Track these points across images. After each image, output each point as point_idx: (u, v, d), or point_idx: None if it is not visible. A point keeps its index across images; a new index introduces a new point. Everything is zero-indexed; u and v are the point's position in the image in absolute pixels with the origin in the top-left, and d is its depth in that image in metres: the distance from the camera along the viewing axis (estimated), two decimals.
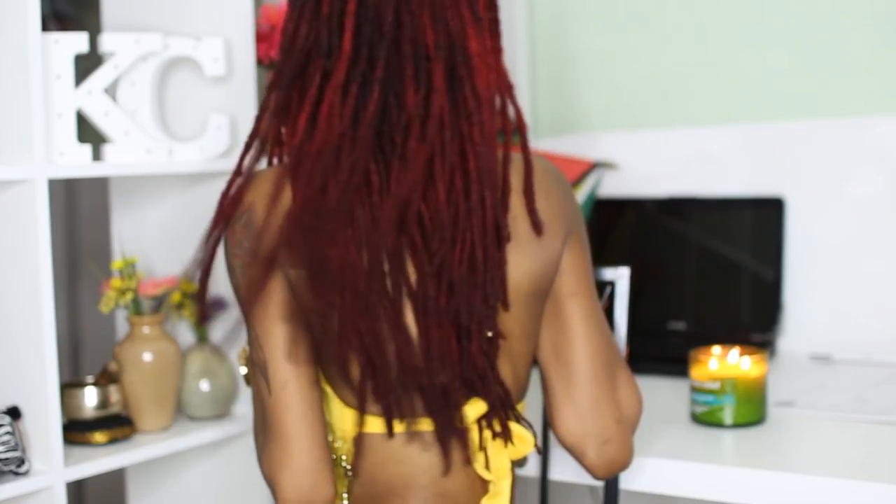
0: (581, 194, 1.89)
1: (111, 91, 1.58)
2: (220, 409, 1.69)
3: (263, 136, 1.13)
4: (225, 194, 1.16)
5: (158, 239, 1.76)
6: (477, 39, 1.11)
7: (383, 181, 1.09)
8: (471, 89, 1.10)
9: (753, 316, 1.94)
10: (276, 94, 1.12)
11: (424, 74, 1.09)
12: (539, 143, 2.17)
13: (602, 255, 1.81)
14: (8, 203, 1.41)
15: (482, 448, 1.16)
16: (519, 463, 1.25)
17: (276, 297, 1.12)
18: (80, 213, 2.76)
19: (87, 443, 1.53)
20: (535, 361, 1.23)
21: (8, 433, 1.37)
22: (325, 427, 1.15)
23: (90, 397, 1.55)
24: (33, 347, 1.41)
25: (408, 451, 1.16)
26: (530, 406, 1.27)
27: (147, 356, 1.59)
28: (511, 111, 1.16)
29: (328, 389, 1.18)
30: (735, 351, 1.50)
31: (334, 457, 1.18)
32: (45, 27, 1.43)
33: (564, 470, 1.41)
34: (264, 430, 1.15)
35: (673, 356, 1.71)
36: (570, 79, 2.20)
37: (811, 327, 1.93)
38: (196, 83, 1.69)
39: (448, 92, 1.09)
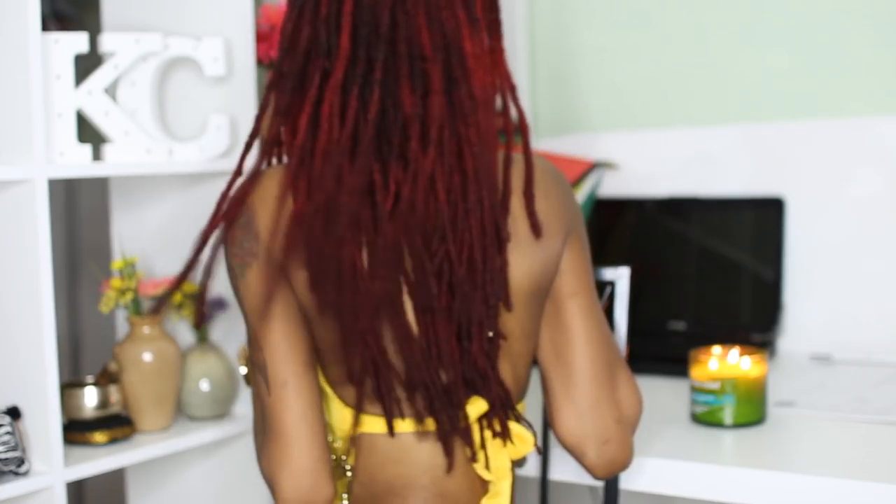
0: (581, 194, 1.89)
1: (111, 91, 1.58)
2: (220, 409, 1.69)
3: (268, 137, 1.13)
4: (224, 194, 1.16)
5: (158, 239, 1.76)
6: (472, 40, 1.11)
7: (384, 181, 1.09)
8: (466, 90, 1.10)
9: (753, 316, 1.94)
10: (279, 94, 1.12)
11: (420, 75, 1.09)
12: (539, 142, 2.17)
13: (602, 255, 1.81)
14: (8, 203, 1.41)
15: (482, 447, 1.16)
16: (519, 463, 1.25)
17: (275, 297, 1.12)
18: (80, 213, 2.76)
19: (87, 443, 1.53)
20: (535, 361, 1.23)
21: (8, 433, 1.37)
22: (325, 427, 1.15)
23: (90, 397, 1.55)
24: (33, 347, 1.41)
25: (408, 452, 1.16)
26: (530, 406, 1.27)
27: (147, 356, 1.59)
28: (513, 112, 1.16)
29: (328, 389, 1.18)
30: (735, 351, 1.50)
31: (334, 457, 1.18)
32: (45, 27, 1.43)
33: (564, 470, 1.41)
34: (264, 430, 1.15)
35: (673, 356, 1.71)
36: (571, 79, 2.20)
37: (811, 327, 1.93)
38: (196, 83, 1.69)
39: (444, 93, 1.09)
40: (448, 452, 1.14)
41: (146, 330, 1.60)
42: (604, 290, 1.35)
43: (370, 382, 1.12)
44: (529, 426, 1.18)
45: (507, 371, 1.17)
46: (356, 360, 1.11)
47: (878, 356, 1.84)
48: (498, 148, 1.14)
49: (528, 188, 1.15)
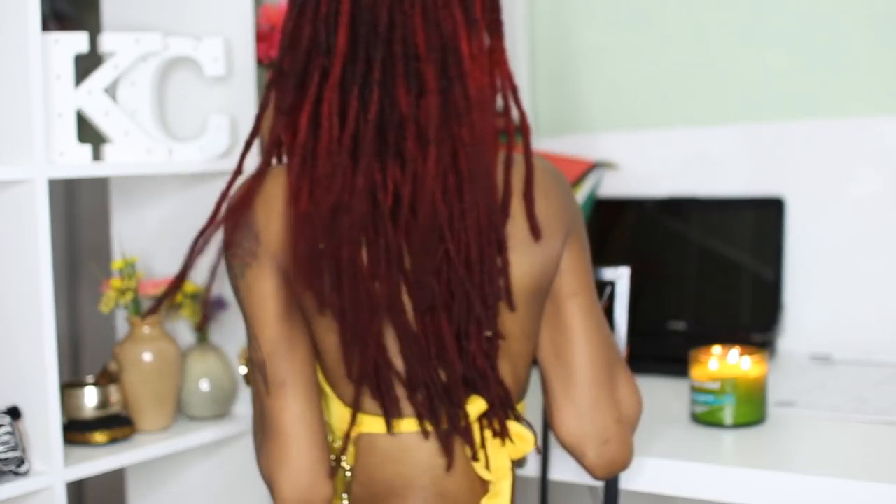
0: (581, 194, 1.89)
1: (111, 91, 1.58)
2: (220, 409, 1.69)
3: (274, 136, 1.13)
4: (225, 193, 1.16)
5: (158, 239, 1.76)
6: (469, 41, 1.11)
7: (384, 181, 1.09)
8: (461, 90, 1.10)
9: (753, 316, 1.94)
10: (281, 92, 1.12)
11: (415, 75, 1.09)
12: (539, 142, 2.17)
13: (602, 255, 1.81)
14: (8, 203, 1.41)
15: (482, 447, 1.16)
16: (519, 463, 1.25)
17: (274, 296, 1.13)
18: (80, 213, 2.76)
19: (87, 443, 1.52)
20: (535, 361, 1.23)
21: (8, 433, 1.37)
22: (324, 427, 1.16)
23: (90, 397, 1.55)
24: (33, 347, 1.41)
25: (408, 451, 1.16)
26: (530, 406, 1.27)
27: (147, 356, 1.59)
28: (515, 113, 1.16)
29: (328, 389, 1.18)
30: (735, 351, 1.50)
31: (333, 457, 1.18)
32: (45, 27, 1.43)
33: (564, 470, 1.41)
34: (263, 429, 1.15)
35: (673, 356, 1.71)
36: (571, 79, 2.20)
37: (811, 327, 1.93)
38: (196, 83, 1.69)
39: (439, 93, 1.09)
40: (447, 452, 1.15)
41: (146, 330, 1.60)
42: (604, 290, 1.35)
43: (370, 382, 1.12)
44: (529, 426, 1.19)
45: (506, 371, 1.17)
46: (356, 360, 1.11)
47: (878, 356, 1.84)
48: (498, 148, 1.14)
49: (528, 190, 1.15)
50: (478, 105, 1.11)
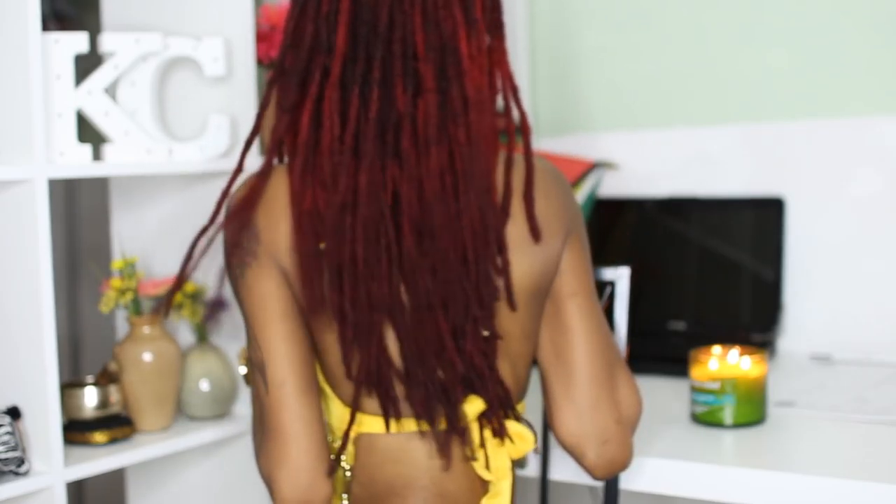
0: (581, 194, 1.89)
1: (111, 91, 1.58)
2: (220, 409, 1.69)
3: (277, 135, 1.13)
4: (226, 192, 1.17)
5: (158, 239, 1.76)
6: (469, 41, 1.11)
7: (383, 179, 1.10)
8: (458, 90, 1.10)
9: (753, 316, 1.94)
10: (284, 90, 1.13)
11: (412, 74, 1.09)
12: (539, 142, 2.17)
13: (602, 255, 1.81)
14: (8, 203, 1.41)
15: (482, 446, 1.16)
16: (520, 464, 1.25)
17: (274, 296, 1.13)
18: (80, 213, 2.76)
19: (87, 443, 1.52)
20: (535, 361, 1.23)
21: (8, 433, 1.37)
22: (324, 426, 1.16)
23: (90, 397, 1.55)
24: (33, 347, 1.41)
25: (407, 451, 1.16)
26: (530, 406, 1.27)
27: (147, 356, 1.59)
28: (515, 113, 1.16)
29: (327, 389, 1.18)
30: (735, 351, 1.50)
31: (333, 456, 1.18)
32: (45, 27, 1.43)
33: (564, 470, 1.41)
34: (262, 429, 1.15)
35: (673, 356, 1.71)
36: (571, 79, 2.20)
37: (811, 327, 1.93)
38: (196, 83, 1.69)
39: (437, 92, 1.09)
40: (444, 451, 1.15)
41: (146, 330, 1.60)
42: (604, 290, 1.35)
43: (370, 381, 1.12)
44: (529, 425, 1.18)
45: (506, 371, 1.17)
46: (356, 359, 1.11)
47: (878, 356, 1.84)
48: (497, 148, 1.14)
49: (528, 190, 1.15)
50: (476, 105, 1.11)
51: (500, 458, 1.17)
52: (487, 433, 1.16)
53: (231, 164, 1.55)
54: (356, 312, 1.09)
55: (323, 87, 1.11)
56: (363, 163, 1.09)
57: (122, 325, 1.78)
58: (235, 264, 1.15)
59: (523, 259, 1.15)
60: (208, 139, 1.61)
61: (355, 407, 1.14)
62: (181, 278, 1.17)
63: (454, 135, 1.10)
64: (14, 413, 1.41)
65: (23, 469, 1.38)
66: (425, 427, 1.14)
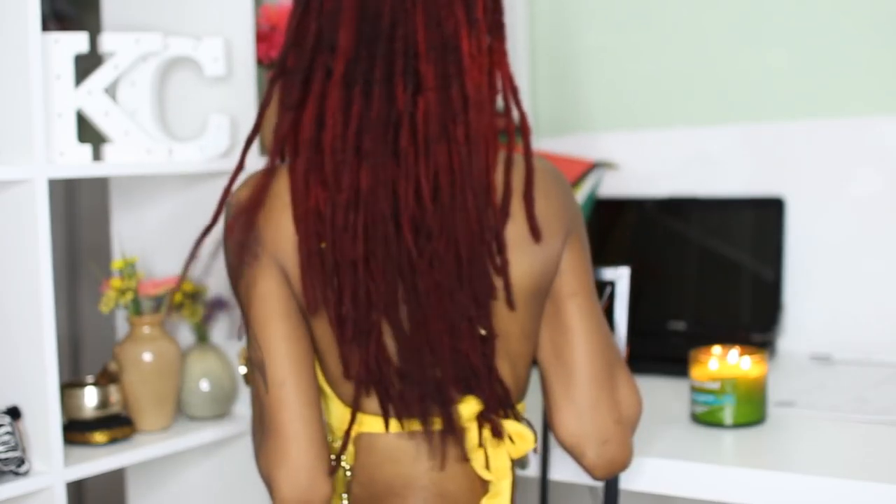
0: (581, 194, 1.89)
1: (111, 91, 1.58)
2: (220, 409, 1.69)
3: (281, 133, 1.13)
4: (227, 190, 1.17)
5: (158, 239, 1.76)
6: (470, 40, 1.11)
7: (386, 178, 1.10)
8: (458, 89, 1.10)
9: (753, 316, 1.94)
10: (287, 88, 1.13)
11: (412, 73, 1.09)
12: (539, 142, 2.17)
13: (602, 255, 1.81)
14: (8, 203, 1.41)
15: (481, 446, 1.16)
16: (521, 464, 1.25)
17: (274, 296, 1.13)
18: (80, 213, 2.76)
19: (87, 443, 1.52)
20: (535, 361, 1.23)
21: (8, 433, 1.37)
22: (324, 426, 1.16)
23: (90, 397, 1.55)
24: (33, 347, 1.41)
25: (407, 451, 1.16)
26: (530, 406, 1.27)
27: (147, 356, 1.59)
28: (515, 114, 1.16)
29: (327, 389, 1.18)
30: (735, 351, 1.50)
31: (333, 456, 1.18)
32: (45, 27, 1.43)
33: (564, 470, 1.41)
34: (262, 429, 1.15)
35: (673, 356, 1.71)
36: (571, 79, 2.20)
37: (811, 327, 1.93)
38: (196, 83, 1.69)
39: (437, 91, 1.09)
40: (436, 450, 1.15)
41: (146, 330, 1.60)
42: (604, 290, 1.35)
43: (369, 380, 1.12)
44: (529, 425, 1.18)
45: (506, 370, 1.17)
46: (354, 358, 1.11)
47: (878, 356, 1.84)
48: (497, 148, 1.14)
49: (527, 190, 1.15)
50: (475, 104, 1.11)
51: (499, 458, 1.17)
52: (487, 433, 1.16)
53: (231, 164, 1.55)
54: (356, 311, 1.09)
55: (326, 85, 1.11)
56: (365, 161, 1.09)
57: (122, 325, 1.78)
58: (236, 264, 1.15)
59: (523, 259, 1.15)
60: (208, 139, 1.61)
61: (356, 407, 1.14)
62: (182, 278, 1.17)
63: (453, 134, 1.10)
64: (14, 413, 1.41)
65: (23, 469, 1.38)
66: (412, 427, 1.14)
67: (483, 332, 1.13)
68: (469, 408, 1.14)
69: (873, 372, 1.78)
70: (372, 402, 1.15)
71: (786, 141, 1.98)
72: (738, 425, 1.47)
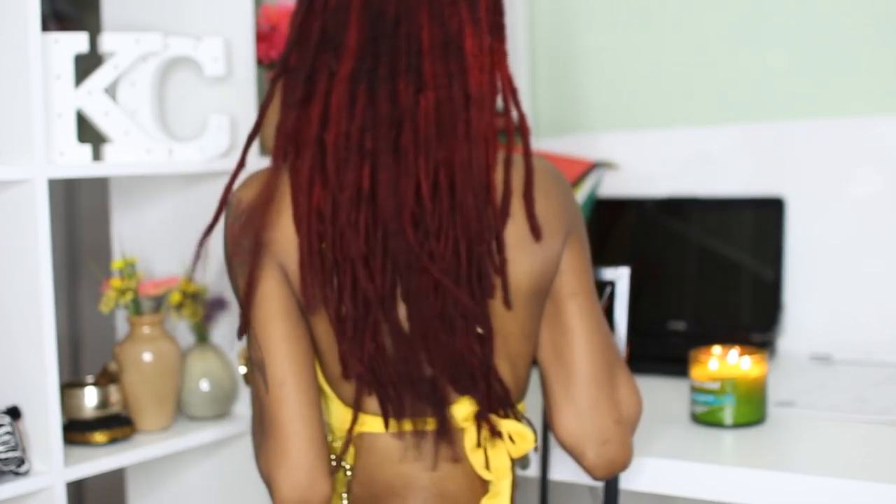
0: (581, 194, 1.89)
1: (111, 91, 1.58)
2: (220, 409, 1.69)
3: (285, 131, 1.13)
4: (228, 188, 1.17)
5: (158, 239, 1.76)
6: (473, 39, 1.11)
7: (387, 175, 1.10)
8: (460, 88, 1.10)
9: (753, 316, 1.94)
10: (291, 86, 1.13)
11: (416, 70, 1.09)
12: (539, 142, 2.17)
13: (602, 255, 1.81)
14: (8, 203, 1.41)
15: (480, 446, 1.16)
16: (522, 464, 1.25)
17: (274, 295, 1.13)
18: (80, 213, 2.76)
19: (87, 443, 1.52)
20: (535, 361, 1.23)
21: (8, 433, 1.37)
22: (323, 426, 1.16)
23: (90, 397, 1.55)
24: (33, 347, 1.41)
25: (407, 451, 1.16)
26: (530, 406, 1.27)
27: (147, 356, 1.59)
28: (514, 114, 1.16)
29: (327, 389, 1.18)
30: (735, 351, 1.50)
31: (333, 456, 1.18)
32: (45, 27, 1.43)
33: (564, 470, 1.41)
34: (262, 428, 1.15)
35: (673, 356, 1.71)
36: (571, 79, 2.20)
37: (811, 327, 1.93)
38: (196, 83, 1.69)
39: (439, 89, 1.09)
40: (424, 450, 1.15)
41: (146, 330, 1.60)
42: (604, 290, 1.35)
43: (368, 380, 1.12)
44: (530, 424, 1.18)
45: (506, 370, 1.17)
46: (353, 358, 1.11)
47: (878, 356, 1.84)
48: (496, 147, 1.14)
49: (527, 190, 1.15)
50: (476, 103, 1.11)
51: (499, 458, 1.17)
52: (486, 433, 1.16)
53: (231, 164, 1.55)
54: (355, 310, 1.09)
55: (330, 83, 1.11)
56: (368, 159, 1.09)
57: (122, 325, 1.78)
58: (236, 263, 1.15)
59: (523, 259, 1.15)
60: (208, 139, 1.61)
61: (357, 407, 1.14)
62: (190, 278, 1.18)
63: (453, 132, 1.10)
64: (14, 413, 1.41)
65: (23, 469, 1.38)
66: (404, 427, 1.14)
67: (480, 331, 1.13)
68: (463, 409, 1.15)
69: (873, 372, 1.78)
70: (372, 402, 1.15)
71: (786, 141, 1.98)
72: (738, 425, 1.47)
